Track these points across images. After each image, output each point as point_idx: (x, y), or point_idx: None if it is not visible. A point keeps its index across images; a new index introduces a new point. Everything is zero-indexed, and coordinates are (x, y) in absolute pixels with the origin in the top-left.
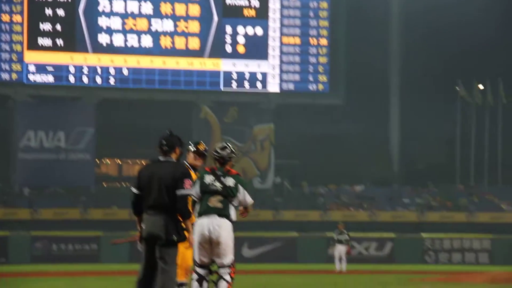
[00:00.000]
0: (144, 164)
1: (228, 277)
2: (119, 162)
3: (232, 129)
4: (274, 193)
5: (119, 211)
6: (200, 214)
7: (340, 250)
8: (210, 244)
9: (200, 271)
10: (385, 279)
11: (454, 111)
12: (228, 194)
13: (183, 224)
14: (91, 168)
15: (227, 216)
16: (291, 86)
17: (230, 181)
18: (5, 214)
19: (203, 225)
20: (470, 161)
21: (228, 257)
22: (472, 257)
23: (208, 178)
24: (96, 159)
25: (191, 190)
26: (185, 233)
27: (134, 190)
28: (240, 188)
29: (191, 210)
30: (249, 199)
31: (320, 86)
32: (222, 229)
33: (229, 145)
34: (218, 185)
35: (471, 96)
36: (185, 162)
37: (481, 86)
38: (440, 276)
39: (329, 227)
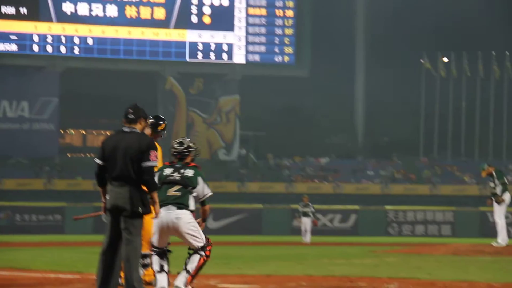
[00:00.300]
0: (109, 134)
1: (203, 253)
2: (84, 132)
3: (198, 101)
4: (239, 165)
5: (84, 181)
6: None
7: (305, 222)
8: (169, 232)
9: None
10: (348, 251)
11: (418, 84)
12: (187, 184)
13: (148, 196)
14: (55, 139)
15: (186, 207)
16: (257, 58)
17: (189, 172)
18: None
19: (162, 217)
20: (433, 134)
21: (197, 242)
22: (435, 229)
23: (167, 171)
24: (61, 130)
25: (157, 161)
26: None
27: (98, 161)
28: (199, 179)
29: (156, 182)
30: (207, 191)
31: (286, 58)
32: (181, 221)
33: (186, 139)
34: (176, 175)
35: (435, 69)
36: None
37: (445, 59)
38: (403, 248)
39: (294, 199)
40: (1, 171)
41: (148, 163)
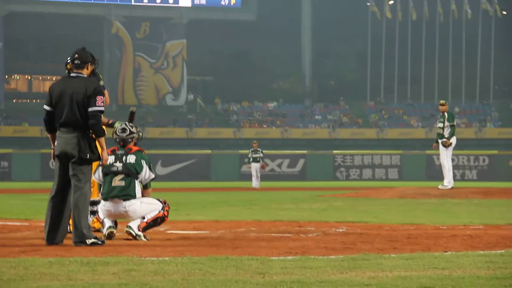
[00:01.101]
0: (55, 80)
1: (161, 210)
2: (29, 77)
3: (144, 45)
4: (187, 110)
5: (30, 128)
6: (105, 196)
7: (256, 167)
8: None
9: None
10: (296, 195)
11: (365, 27)
12: (131, 172)
13: (97, 142)
14: (0, 84)
15: (133, 197)
16: (203, 1)
17: (131, 158)
18: None
19: (110, 210)
20: (380, 78)
21: (153, 212)
22: (382, 173)
23: (109, 159)
24: (5, 75)
25: (103, 107)
26: (99, 150)
27: (46, 107)
28: (143, 163)
29: (104, 128)
30: (149, 174)
31: (232, 1)
32: (130, 212)
33: (129, 125)
34: (118, 165)
35: (381, 11)
36: None
37: (391, 2)
38: (351, 192)
39: (242, 145)
40: None
41: (95, 108)
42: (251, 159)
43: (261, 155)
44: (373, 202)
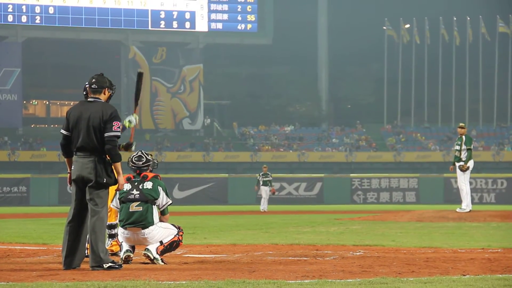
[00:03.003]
0: (73, 104)
1: (177, 234)
2: (47, 103)
3: (161, 70)
4: (204, 134)
5: (48, 152)
6: (123, 224)
7: (265, 190)
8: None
9: None
10: (314, 219)
11: (381, 51)
12: (148, 199)
13: (113, 166)
14: (19, 109)
15: (151, 223)
16: (219, 26)
17: (148, 185)
18: None
19: (129, 237)
20: (397, 101)
21: (170, 236)
22: (399, 196)
23: (126, 187)
24: (24, 100)
25: (120, 132)
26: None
27: (62, 131)
28: (160, 189)
29: (120, 153)
30: (166, 200)
31: (249, 26)
32: (150, 239)
33: (145, 153)
34: (135, 192)
35: (398, 35)
36: None
37: (407, 26)
38: (368, 215)
39: (259, 168)
40: None
41: (111, 133)
42: (261, 183)
43: (270, 178)
44: (391, 225)
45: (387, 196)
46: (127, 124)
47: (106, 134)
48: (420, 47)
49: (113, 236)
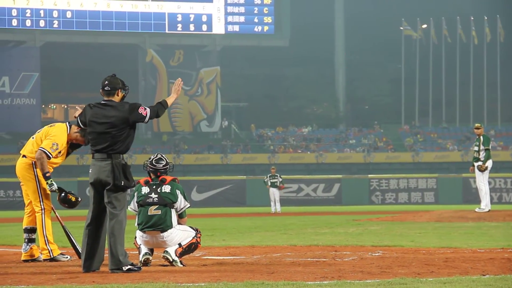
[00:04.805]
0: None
1: (195, 236)
2: (65, 106)
3: (179, 72)
4: (222, 136)
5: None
6: (141, 227)
7: (274, 192)
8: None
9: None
10: (332, 220)
11: (399, 51)
12: (166, 202)
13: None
14: (37, 113)
15: (170, 227)
16: (236, 28)
17: (166, 189)
18: None
19: (149, 242)
20: (414, 101)
21: (188, 238)
22: (418, 197)
23: (144, 190)
24: (42, 104)
25: (147, 112)
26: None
27: (79, 122)
28: (178, 193)
29: (161, 107)
30: (185, 204)
31: (265, 28)
32: (169, 242)
33: (164, 156)
34: (154, 196)
35: (415, 35)
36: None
37: (424, 26)
38: (387, 216)
39: (278, 169)
40: None
41: (145, 118)
42: (269, 184)
43: (280, 179)
44: (409, 226)
45: (406, 196)
46: (48, 182)
47: (144, 121)
48: (437, 47)
49: (33, 241)
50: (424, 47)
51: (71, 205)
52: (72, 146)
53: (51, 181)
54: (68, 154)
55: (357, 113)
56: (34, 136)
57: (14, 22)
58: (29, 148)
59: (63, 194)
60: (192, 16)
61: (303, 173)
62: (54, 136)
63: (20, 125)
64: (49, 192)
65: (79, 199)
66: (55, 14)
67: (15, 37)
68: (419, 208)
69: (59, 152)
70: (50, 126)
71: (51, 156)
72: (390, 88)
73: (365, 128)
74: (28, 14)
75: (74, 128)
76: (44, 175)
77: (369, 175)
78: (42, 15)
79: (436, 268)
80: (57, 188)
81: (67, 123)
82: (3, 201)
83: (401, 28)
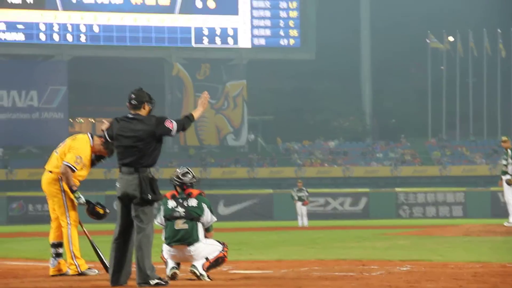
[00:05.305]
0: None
1: (222, 250)
2: (93, 120)
3: (205, 86)
4: (248, 150)
5: (94, 170)
6: (169, 241)
7: (300, 206)
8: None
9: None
10: (360, 234)
11: (425, 63)
12: (193, 216)
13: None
14: (65, 127)
15: (197, 240)
16: (262, 41)
17: (193, 203)
18: None
19: (176, 256)
20: (441, 114)
21: (215, 252)
22: (446, 211)
23: (171, 204)
24: (70, 118)
25: (174, 125)
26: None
27: (106, 135)
28: (204, 206)
29: (188, 120)
30: (211, 218)
31: (291, 41)
32: (196, 255)
33: (190, 170)
34: (180, 210)
35: (441, 48)
36: (90, 142)
37: (451, 38)
38: (414, 230)
39: (304, 183)
40: (12, 161)
41: (171, 132)
42: (296, 198)
43: (307, 193)
44: (438, 240)
45: (434, 210)
46: (75, 196)
47: (171, 134)
48: (464, 59)
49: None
50: (451, 60)
51: (99, 217)
52: (97, 157)
53: (78, 194)
54: (93, 165)
55: (383, 127)
56: (57, 150)
57: (42, 37)
58: (54, 163)
59: (90, 206)
60: (218, 30)
61: (330, 186)
62: (77, 149)
63: (47, 139)
64: (76, 204)
65: (107, 211)
66: (82, 28)
67: (43, 51)
68: (447, 222)
69: (84, 165)
70: (73, 139)
71: (75, 170)
72: (417, 101)
73: (392, 142)
74: (56, 29)
75: (98, 140)
76: (70, 188)
77: (396, 189)
78: (69, 29)
79: (465, 282)
80: (84, 201)
81: (88, 133)
82: (32, 215)
83: (428, 40)
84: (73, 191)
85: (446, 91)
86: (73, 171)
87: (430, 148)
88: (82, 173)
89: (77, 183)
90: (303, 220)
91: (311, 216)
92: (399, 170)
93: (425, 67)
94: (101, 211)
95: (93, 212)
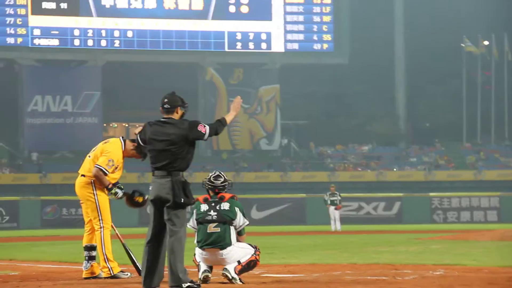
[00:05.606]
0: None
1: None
2: (127, 125)
3: (238, 91)
4: (281, 155)
5: (128, 174)
6: (201, 245)
7: (333, 211)
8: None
9: None
10: (393, 238)
11: (459, 68)
12: (225, 220)
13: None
14: (99, 132)
15: (229, 244)
16: (295, 46)
17: (225, 206)
18: (15, 179)
19: (208, 259)
20: (476, 118)
21: (247, 256)
22: (480, 215)
23: (203, 207)
24: (104, 123)
25: (207, 129)
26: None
27: (139, 139)
28: (237, 210)
29: (220, 125)
30: (243, 221)
31: (325, 45)
32: (228, 259)
33: (222, 173)
34: (213, 213)
35: (476, 52)
36: (122, 145)
37: (486, 42)
38: (448, 234)
39: (338, 187)
40: (46, 165)
41: (204, 136)
42: (329, 202)
43: (339, 198)
44: (472, 244)
45: (468, 215)
46: (113, 192)
47: (204, 139)
48: (499, 63)
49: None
50: (486, 64)
51: (139, 205)
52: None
53: (115, 189)
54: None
55: (417, 131)
56: (90, 154)
57: (77, 42)
58: (87, 167)
59: (130, 198)
60: (251, 35)
61: (363, 191)
62: (109, 152)
63: (82, 143)
64: (117, 198)
65: (146, 197)
66: (116, 33)
67: (77, 56)
68: (481, 227)
69: (116, 168)
70: (105, 143)
71: (107, 173)
72: (451, 105)
73: (426, 146)
74: (90, 34)
75: (130, 145)
76: (106, 188)
77: (430, 194)
78: (103, 35)
79: (500, 287)
80: (122, 194)
81: (120, 138)
82: (65, 219)
83: (462, 45)
84: (109, 189)
85: (481, 96)
86: (105, 174)
87: (464, 152)
88: (114, 175)
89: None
90: (336, 225)
91: (344, 220)
92: (433, 174)
93: (460, 71)
94: (140, 200)
95: (133, 202)
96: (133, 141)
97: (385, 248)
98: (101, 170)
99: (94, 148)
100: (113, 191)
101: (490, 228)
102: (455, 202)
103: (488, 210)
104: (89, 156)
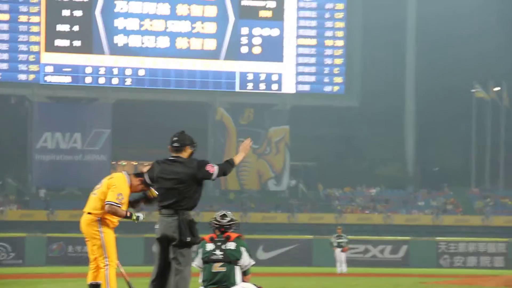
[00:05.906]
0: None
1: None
2: (135, 163)
3: (248, 131)
4: (289, 196)
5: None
6: (206, 284)
7: (339, 253)
8: None
9: None
10: (399, 282)
11: (469, 113)
12: (231, 259)
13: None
14: (107, 169)
15: (233, 284)
16: (306, 88)
17: (231, 246)
18: (21, 216)
19: None
20: (485, 164)
21: None
22: (487, 261)
23: (209, 247)
24: (112, 161)
25: (214, 169)
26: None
27: (146, 178)
28: (243, 250)
29: (228, 165)
30: (249, 261)
31: (336, 88)
32: None
33: (229, 212)
34: (218, 253)
35: (487, 98)
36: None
37: (496, 88)
38: (454, 279)
39: (344, 230)
40: (54, 202)
41: (212, 176)
42: (335, 244)
43: (346, 240)
44: None
45: (475, 260)
46: (134, 218)
47: (211, 179)
48: (510, 110)
49: None
50: (496, 110)
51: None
52: (147, 199)
53: (134, 214)
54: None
55: (426, 175)
56: (95, 192)
57: (88, 80)
58: (92, 204)
59: (145, 199)
60: (262, 75)
61: (370, 234)
62: (116, 187)
63: (90, 181)
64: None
65: (155, 190)
66: (128, 72)
67: (88, 94)
68: (488, 273)
69: (124, 203)
70: (110, 178)
71: (120, 206)
72: (460, 150)
73: (434, 190)
74: (102, 72)
75: (136, 180)
76: (126, 217)
77: (437, 238)
78: (115, 73)
79: None
80: (143, 216)
81: (124, 172)
82: (71, 257)
83: (473, 90)
84: (129, 217)
85: (490, 141)
86: (118, 207)
87: (472, 197)
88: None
89: (116, 224)
90: (341, 267)
91: (350, 263)
92: (440, 219)
93: (469, 116)
94: (154, 195)
95: (150, 200)
96: (137, 175)
97: None
98: (113, 205)
99: (97, 186)
100: (133, 217)
101: (497, 274)
102: (462, 247)
103: (495, 256)
104: (94, 194)
